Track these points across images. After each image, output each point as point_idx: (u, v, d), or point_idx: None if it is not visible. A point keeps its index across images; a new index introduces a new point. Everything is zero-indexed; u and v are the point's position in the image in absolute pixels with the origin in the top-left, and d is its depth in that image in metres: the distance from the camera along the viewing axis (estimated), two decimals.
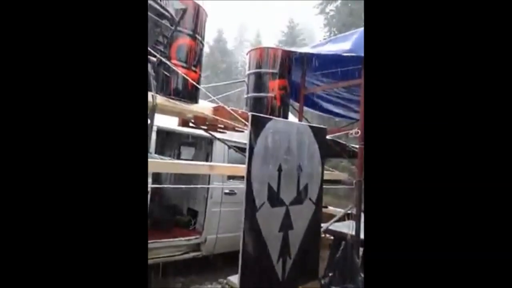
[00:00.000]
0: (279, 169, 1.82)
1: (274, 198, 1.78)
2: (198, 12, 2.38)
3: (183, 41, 2.25)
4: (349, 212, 2.39)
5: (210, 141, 3.46)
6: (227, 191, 3.36)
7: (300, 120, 3.14)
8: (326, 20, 18.21)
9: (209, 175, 3.25)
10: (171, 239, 3.03)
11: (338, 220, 2.52)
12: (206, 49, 26.47)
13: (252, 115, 1.67)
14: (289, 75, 3.08)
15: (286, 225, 1.85)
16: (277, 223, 1.81)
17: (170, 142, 4.11)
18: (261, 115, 1.77)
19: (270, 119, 1.80)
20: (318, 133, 2.08)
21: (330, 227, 2.37)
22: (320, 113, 3.91)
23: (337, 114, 3.93)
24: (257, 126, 1.69)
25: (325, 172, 2.23)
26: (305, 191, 1.99)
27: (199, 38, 2.40)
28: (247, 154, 1.64)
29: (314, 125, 2.19)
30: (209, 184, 3.26)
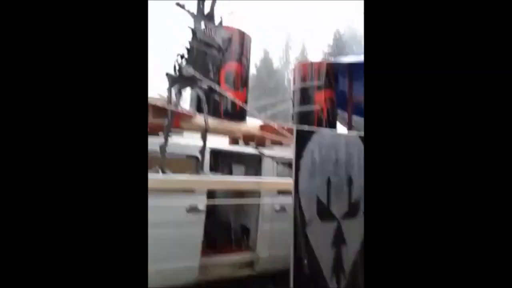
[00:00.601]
0: (328, 182, 1.79)
1: (324, 212, 1.74)
2: (243, 38, 2.57)
3: (231, 66, 2.44)
4: None
5: (259, 158, 3.55)
6: (277, 208, 3.35)
7: (349, 129, 3.05)
8: None
9: (260, 192, 3.30)
10: (224, 256, 3.12)
11: None
12: (253, 70, 27.64)
13: (297, 130, 1.69)
14: (335, 86, 3.05)
15: (339, 240, 1.78)
16: (329, 238, 1.75)
17: (222, 161, 4.32)
18: (306, 128, 1.78)
19: (315, 132, 1.80)
20: None
21: None
22: None
23: None
24: (302, 139, 1.71)
25: None
26: (357, 205, 1.90)
27: (245, 61, 2.57)
28: (293, 168, 1.66)
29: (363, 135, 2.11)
30: (260, 201, 3.31)
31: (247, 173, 4.03)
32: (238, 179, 2.16)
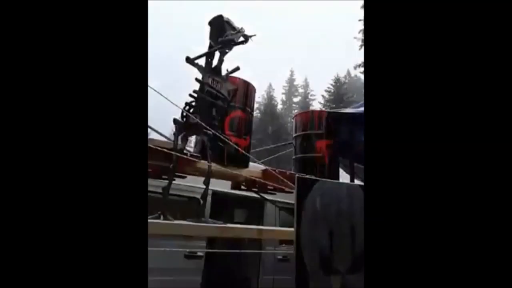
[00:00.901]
0: (330, 233, 1.75)
1: (328, 266, 1.67)
2: (247, 88, 2.73)
3: (235, 115, 2.56)
4: None
5: (261, 203, 3.51)
6: (280, 257, 3.22)
7: (351, 179, 3.05)
8: None
9: (261, 240, 3.21)
10: None
11: None
12: (257, 115, 28.57)
13: (298, 177, 1.72)
14: (336, 135, 3.14)
15: None
16: None
17: (224, 205, 4.26)
18: (307, 176, 1.81)
19: (317, 180, 1.81)
20: None
21: None
22: None
23: None
24: (304, 187, 1.72)
25: None
26: (362, 258, 1.82)
27: (249, 110, 2.70)
28: (295, 217, 1.64)
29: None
30: (261, 249, 3.20)
31: (248, 217, 3.95)
32: (239, 227, 2.12)
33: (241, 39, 1.78)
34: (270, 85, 32.23)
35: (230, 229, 1.70)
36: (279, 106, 32.48)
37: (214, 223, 1.75)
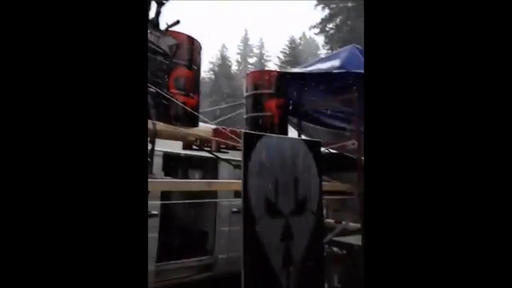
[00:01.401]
0: (275, 182, 1.91)
1: (273, 210, 1.86)
2: (192, 44, 2.60)
3: (180, 72, 2.46)
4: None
5: (215, 163, 3.59)
6: (234, 209, 3.43)
7: (299, 135, 3.25)
8: (327, 38, 18.77)
9: (217, 196, 3.35)
10: (182, 261, 3.09)
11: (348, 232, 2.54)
12: (211, 76, 27.49)
13: (244, 133, 1.79)
14: (286, 94, 3.23)
15: (287, 235, 1.91)
16: (278, 233, 1.87)
17: (178, 166, 4.26)
18: (253, 132, 1.89)
19: (262, 135, 1.91)
20: (313, 146, 2.17)
21: (338, 239, 2.40)
22: (322, 127, 4.02)
23: (336, 127, 4.02)
24: (250, 143, 1.81)
25: (326, 183, 2.30)
26: (304, 202, 2.05)
27: (195, 67, 2.61)
28: (242, 170, 1.75)
29: (307, 138, 2.29)
30: (217, 204, 3.36)
31: (204, 177, 4.04)
32: (189, 180, 2.18)
33: None
34: (224, 45, 30.80)
35: (180, 183, 1.74)
36: (234, 67, 31.56)
37: (162, 178, 1.78)
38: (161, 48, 1.76)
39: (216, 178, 3.50)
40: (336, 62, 2.67)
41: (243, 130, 2.84)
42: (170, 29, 2.32)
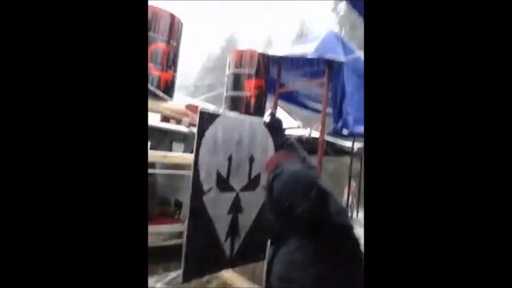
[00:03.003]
0: (229, 159, 2.04)
1: (223, 184, 2.00)
2: (172, 21, 2.65)
3: (156, 46, 2.52)
4: None
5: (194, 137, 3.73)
6: None
7: (274, 113, 3.34)
8: (337, 19, 18.25)
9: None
10: (154, 226, 3.32)
11: None
12: (217, 51, 26.94)
13: (200, 111, 1.90)
14: (266, 75, 3.29)
15: (236, 208, 2.07)
16: (226, 206, 2.03)
17: (163, 138, 4.42)
18: (210, 111, 1.99)
19: (219, 115, 2.02)
20: (273, 126, 2.27)
21: None
22: (300, 108, 4.10)
23: (314, 109, 4.09)
24: (206, 120, 1.93)
25: None
26: (258, 180, 2.19)
27: (174, 43, 2.66)
28: (194, 144, 1.87)
29: (267, 120, 2.39)
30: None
31: (185, 149, 4.21)
32: (154, 152, 2.32)
33: None
34: (238, 22, 29.90)
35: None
36: (244, 43, 30.85)
37: None
38: None
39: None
40: (311, 46, 2.70)
41: (212, 108, 2.94)
42: (151, 4, 2.36)
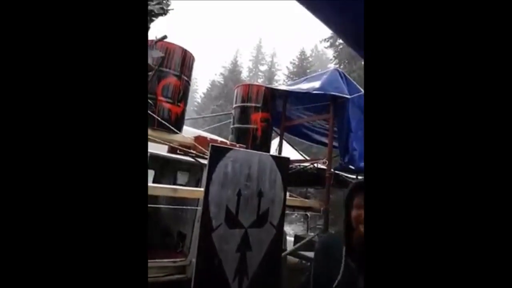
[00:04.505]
0: (239, 194, 2.03)
1: (232, 220, 1.97)
2: (184, 56, 2.78)
3: (169, 81, 2.62)
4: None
5: (201, 168, 3.73)
6: None
7: (280, 149, 3.38)
8: (336, 53, 19.06)
9: (198, 200, 3.48)
10: (157, 260, 3.20)
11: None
12: (220, 79, 27.85)
13: (212, 146, 1.92)
14: (272, 108, 3.38)
15: (244, 246, 2.02)
16: (235, 243, 1.98)
17: (167, 168, 4.42)
18: (221, 145, 2.02)
19: (230, 149, 2.04)
20: (281, 161, 2.29)
21: (301, 252, 2.49)
22: (305, 141, 4.14)
23: (319, 142, 4.14)
24: (217, 155, 1.94)
25: (293, 199, 2.41)
26: (266, 216, 2.17)
27: (185, 78, 2.77)
28: (205, 179, 1.88)
29: (276, 155, 2.41)
30: (197, 208, 3.48)
31: (189, 181, 4.18)
32: (158, 186, 2.31)
33: (160, 11, 1.82)
34: (238, 51, 31.25)
35: (149, 187, 1.87)
36: (245, 73, 31.93)
37: None
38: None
39: (200, 181, 3.63)
40: (317, 83, 2.81)
41: (224, 140, 2.99)
42: (165, 40, 2.50)
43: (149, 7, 1.76)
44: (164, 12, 1.82)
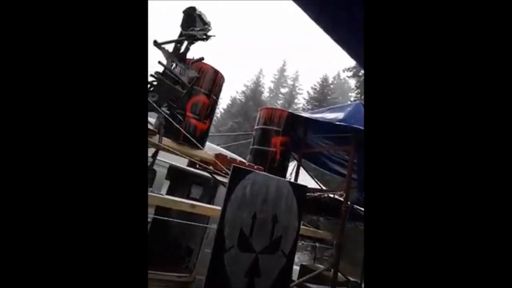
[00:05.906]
0: (254, 217, 2.04)
1: (245, 244, 1.97)
2: (216, 76, 2.91)
3: (198, 99, 2.75)
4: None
5: (216, 184, 3.77)
6: None
7: (296, 175, 3.38)
8: (358, 83, 19.15)
9: (209, 217, 3.49)
10: (162, 273, 3.20)
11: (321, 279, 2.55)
12: (241, 97, 28.46)
13: (234, 166, 1.97)
14: (292, 134, 3.42)
15: (253, 271, 2.00)
16: (244, 267, 1.97)
17: (183, 180, 4.49)
18: (242, 167, 2.06)
19: (251, 171, 2.08)
20: (298, 189, 2.29)
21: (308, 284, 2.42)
22: (321, 169, 4.12)
23: (337, 173, 4.10)
24: (237, 175, 1.98)
25: (306, 228, 2.38)
26: (278, 243, 2.15)
27: (214, 97, 2.90)
28: (220, 197, 1.91)
29: (294, 182, 2.42)
30: (207, 225, 3.49)
31: (203, 195, 4.22)
32: (176, 199, 2.36)
33: (203, 36, 1.95)
34: (261, 71, 32.10)
35: (167, 200, 1.92)
36: (266, 94, 32.54)
37: (152, 191, 1.98)
38: (180, 79, 2.04)
39: (214, 197, 3.67)
40: (340, 115, 2.85)
41: (243, 161, 3.03)
42: (201, 61, 2.65)
43: (193, 32, 1.90)
44: (206, 38, 1.95)
